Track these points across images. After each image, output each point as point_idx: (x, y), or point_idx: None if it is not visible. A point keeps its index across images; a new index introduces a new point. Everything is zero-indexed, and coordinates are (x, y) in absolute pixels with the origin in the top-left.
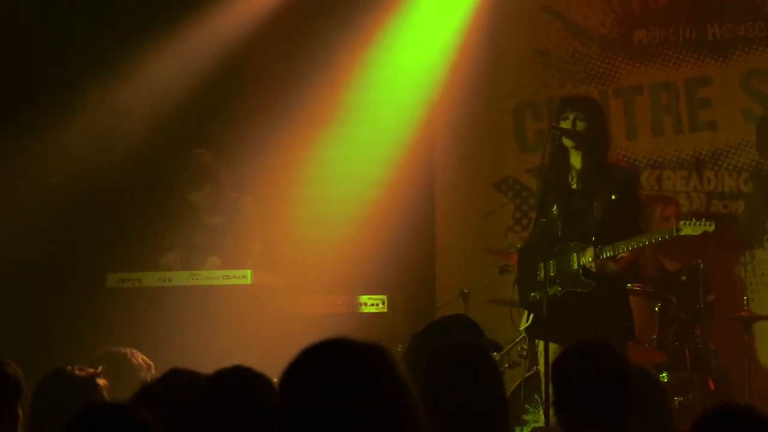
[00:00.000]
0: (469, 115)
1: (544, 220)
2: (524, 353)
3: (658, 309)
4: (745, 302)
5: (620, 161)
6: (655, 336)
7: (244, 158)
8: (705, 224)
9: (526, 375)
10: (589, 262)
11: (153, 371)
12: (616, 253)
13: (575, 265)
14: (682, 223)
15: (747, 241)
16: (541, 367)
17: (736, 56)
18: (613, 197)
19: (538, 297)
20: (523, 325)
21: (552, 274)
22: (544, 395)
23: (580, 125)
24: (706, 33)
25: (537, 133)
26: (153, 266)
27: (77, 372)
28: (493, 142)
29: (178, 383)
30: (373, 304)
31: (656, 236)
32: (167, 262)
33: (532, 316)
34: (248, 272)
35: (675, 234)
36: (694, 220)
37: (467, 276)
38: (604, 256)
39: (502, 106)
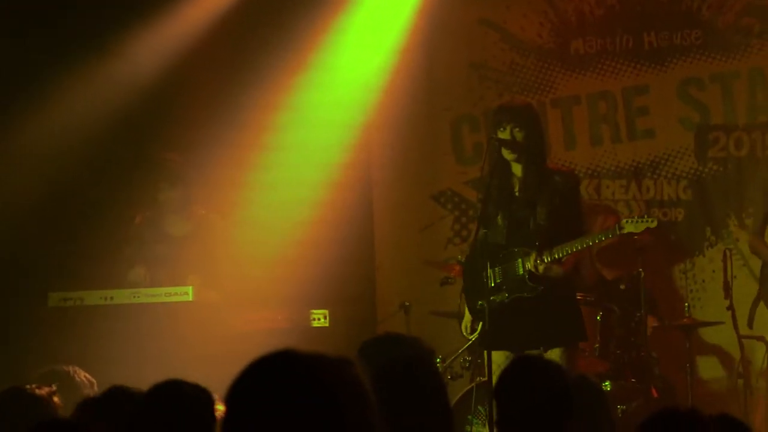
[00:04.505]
0: (406, 128)
1: (485, 231)
2: (467, 364)
3: (600, 318)
4: (686, 309)
5: (560, 166)
6: (597, 345)
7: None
8: (647, 220)
9: (469, 386)
10: (534, 266)
11: (96, 388)
12: (560, 255)
13: (520, 271)
14: (624, 221)
15: (687, 248)
16: (489, 378)
17: (673, 64)
18: (556, 201)
19: (485, 306)
20: (466, 334)
21: (498, 280)
22: (488, 407)
23: (518, 135)
24: (642, 42)
25: (475, 145)
26: (120, 283)
27: (36, 391)
28: (430, 155)
29: (117, 400)
30: (315, 319)
31: (600, 236)
32: (134, 278)
33: (481, 325)
34: (189, 289)
35: (618, 233)
36: (636, 217)
37: (408, 289)
38: (548, 259)
39: (439, 120)
